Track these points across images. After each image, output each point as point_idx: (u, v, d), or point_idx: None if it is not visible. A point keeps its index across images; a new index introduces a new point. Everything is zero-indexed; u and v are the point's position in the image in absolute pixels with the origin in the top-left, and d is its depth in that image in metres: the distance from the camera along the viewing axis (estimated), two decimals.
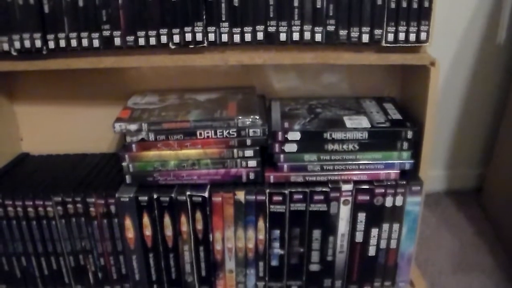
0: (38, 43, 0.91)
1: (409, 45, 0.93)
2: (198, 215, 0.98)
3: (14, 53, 0.92)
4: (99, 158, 1.15)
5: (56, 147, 1.19)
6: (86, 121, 1.18)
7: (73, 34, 0.91)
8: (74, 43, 0.92)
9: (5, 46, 0.92)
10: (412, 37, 0.92)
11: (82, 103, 1.17)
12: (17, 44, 0.92)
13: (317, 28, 0.91)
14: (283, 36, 0.91)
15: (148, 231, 1.00)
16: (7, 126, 1.15)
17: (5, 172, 1.09)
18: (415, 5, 0.90)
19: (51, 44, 0.92)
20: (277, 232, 1.01)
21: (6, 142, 1.15)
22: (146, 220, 0.99)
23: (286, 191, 0.97)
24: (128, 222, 0.99)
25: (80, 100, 1.16)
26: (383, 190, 0.98)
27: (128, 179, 0.98)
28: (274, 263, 1.04)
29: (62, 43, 0.92)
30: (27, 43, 0.91)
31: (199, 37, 0.91)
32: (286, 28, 0.91)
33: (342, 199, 0.99)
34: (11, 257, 1.05)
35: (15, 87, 1.14)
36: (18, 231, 1.02)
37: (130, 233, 1.00)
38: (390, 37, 0.92)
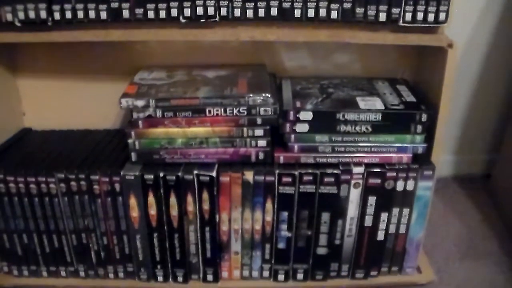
0: (43, 14, 0.88)
1: (427, 25, 0.90)
2: (205, 195, 0.96)
3: (18, 24, 0.89)
4: (103, 135, 1.13)
5: (59, 123, 1.17)
6: (90, 96, 1.15)
7: (80, 5, 0.88)
8: (80, 14, 0.88)
9: (9, 17, 0.89)
10: (431, 17, 0.89)
11: (87, 78, 1.14)
12: (21, 15, 0.88)
13: (333, 5, 0.88)
14: (297, 12, 0.88)
15: (153, 211, 0.98)
16: (9, 100, 1.12)
17: (7, 148, 1.06)
18: None
19: (57, 15, 0.88)
20: (285, 214, 0.99)
21: (8, 117, 1.12)
22: (151, 199, 0.96)
23: (296, 172, 0.94)
24: (132, 201, 0.97)
25: (85, 74, 1.13)
26: (394, 174, 0.97)
27: (133, 156, 0.96)
28: (281, 245, 1.02)
29: (68, 15, 0.88)
30: (31, 14, 0.88)
31: (210, 11, 0.88)
32: (301, 4, 0.87)
33: (353, 182, 0.97)
34: (12, 234, 1.03)
35: (18, 60, 1.11)
36: (20, 208, 1.00)
37: (135, 212, 0.98)
38: (408, 16, 0.89)
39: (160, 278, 1.06)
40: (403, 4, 0.88)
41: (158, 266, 1.05)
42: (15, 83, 1.13)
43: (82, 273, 1.07)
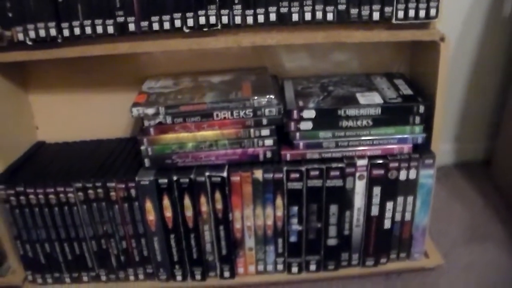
0: (53, 32, 0.92)
1: (419, 21, 0.94)
2: (218, 195, 1.00)
3: (29, 43, 0.93)
4: (115, 143, 1.17)
5: (71, 134, 1.21)
6: (100, 107, 1.19)
7: (87, 22, 0.92)
8: (88, 30, 0.92)
9: (20, 36, 0.92)
10: (422, 13, 0.93)
11: (95, 90, 1.18)
12: (32, 34, 0.92)
13: (329, 7, 0.92)
14: (295, 17, 0.92)
15: (168, 213, 1.02)
16: (23, 115, 1.16)
17: (23, 161, 1.10)
18: None
19: (66, 32, 0.92)
20: (295, 209, 1.03)
21: (22, 131, 1.16)
22: (166, 202, 1.01)
23: (303, 168, 0.99)
24: (148, 205, 1.01)
25: (93, 86, 1.17)
26: (397, 164, 1.01)
27: (147, 162, 1.00)
28: (293, 239, 1.07)
29: (77, 31, 0.92)
30: (42, 32, 0.92)
31: (212, 20, 0.92)
32: (298, 8, 0.91)
33: (358, 174, 1.01)
34: (35, 244, 1.07)
35: (29, 77, 1.15)
36: (40, 218, 1.04)
37: (151, 216, 1.02)
38: (400, 14, 0.93)
39: (178, 278, 1.10)
40: (395, 2, 0.92)
41: (176, 266, 1.09)
42: (27, 99, 1.17)
43: (103, 277, 1.12)
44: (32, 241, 1.07)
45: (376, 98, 1.00)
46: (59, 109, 1.19)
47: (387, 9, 0.93)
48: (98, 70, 1.15)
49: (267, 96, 0.95)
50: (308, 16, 0.92)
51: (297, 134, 0.99)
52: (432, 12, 0.93)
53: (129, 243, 1.07)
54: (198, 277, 1.10)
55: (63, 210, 1.03)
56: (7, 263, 1.16)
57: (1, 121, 1.04)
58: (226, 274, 1.10)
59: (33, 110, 1.19)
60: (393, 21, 0.94)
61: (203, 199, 1.01)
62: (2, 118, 1.04)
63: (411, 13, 0.93)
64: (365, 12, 0.93)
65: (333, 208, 1.04)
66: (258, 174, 0.99)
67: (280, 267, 1.11)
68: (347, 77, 1.14)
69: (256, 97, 0.95)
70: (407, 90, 1.04)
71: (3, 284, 1.15)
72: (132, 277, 1.12)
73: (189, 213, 1.02)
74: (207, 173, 0.98)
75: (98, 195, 1.01)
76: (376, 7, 0.92)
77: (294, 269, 1.11)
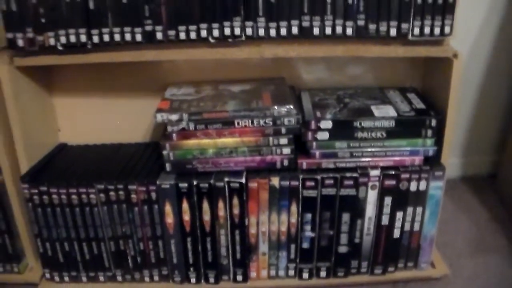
0: (83, 38, 0.96)
1: (434, 38, 0.98)
2: (235, 200, 1.03)
3: (60, 48, 0.97)
4: (135, 148, 1.20)
5: (92, 137, 1.24)
6: (121, 112, 1.23)
7: (117, 29, 0.96)
8: (117, 37, 0.96)
9: (52, 41, 0.97)
10: (437, 30, 0.97)
11: (117, 95, 1.21)
12: (63, 39, 0.96)
13: (348, 22, 0.96)
14: (316, 31, 0.96)
15: (187, 216, 1.05)
16: (46, 117, 1.19)
17: (46, 162, 1.13)
18: (440, 1, 0.95)
19: (95, 39, 0.97)
20: (309, 216, 1.06)
21: (46, 133, 1.19)
22: (185, 205, 1.04)
23: (318, 177, 1.02)
24: (168, 208, 1.04)
25: (115, 92, 1.21)
26: (408, 175, 1.04)
27: (168, 166, 1.04)
28: (305, 245, 1.10)
29: (106, 38, 0.96)
30: (72, 38, 0.96)
31: (237, 31, 0.96)
32: (319, 22, 0.96)
33: (370, 184, 1.04)
34: (55, 243, 1.10)
35: (54, 80, 1.19)
36: (62, 218, 1.07)
37: (170, 219, 1.06)
38: (416, 30, 0.97)
39: (193, 280, 1.13)
40: (411, 19, 0.96)
41: (191, 269, 1.12)
42: (51, 101, 1.21)
43: (119, 278, 1.15)
44: (52, 239, 1.10)
45: (390, 111, 1.04)
46: (81, 112, 1.23)
47: (404, 26, 0.97)
48: (120, 76, 1.19)
49: (287, 106, 0.99)
50: (328, 31, 0.96)
51: (314, 143, 1.02)
52: (447, 29, 0.97)
53: (146, 245, 1.10)
54: (211, 280, 1.13)
55: (84, 210, 1.06)
56: (25, 261, 1.19)
57: (27, 122, 1.07)
58: (239, 277, 1.13)
59: (56, 112, 1.23)
60: (409, 37, 0.98)
61: (221, 204, 1.04)
62: (27, 119, 1.07)
63: (427, 30, 0.97)
64: (383, 28, 0.97)
65: (345, 217, 1.07)
66: (275, 181, 1.02)
67: (291, 272, 1.14)
68: (362, 90, 1.18)
69: (276, 107, 0.99)
70: (419, 104, 1.08)
71: (21, 281, 1.18)
72: (147, 278, 1.14)
73: (206, 217, 1.05)
74: (226, 179, 1.02)
75: (119, 197, 1.05)
76: (393, 23, 0.97)
77: (305, 275, 1.14)
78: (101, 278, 1.15)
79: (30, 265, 1.20)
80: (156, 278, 1.14)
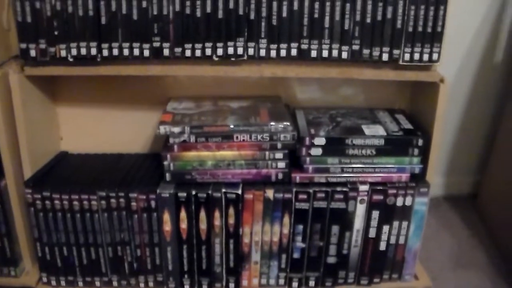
0: (93, 51, 1.01)
1: (422, 64, 1.05)
2: (231, 210, 1.08)
3: (70, 59, 1.02)
4: (135, 158, 1.24)
5: (93, 147, 1.28)
6: (122, 123, 1.27)
7: (126, 44, 1.01)
8: (126, 52, 1.01)
9: (63, 53, 1.01)
10: (426, 57, 1.04)
11: (119, 107, 1.25)
12: (74, 51, 1.01)
13: (344, 46, 1.02)
14: (314, 53, 1.03)
15: (184, 225, 1.09)
16: (50, 126, 1.23)
17: (49, 169, 1.17)
18: (429, 30, 1.02)
19: (105, 52, 1.01)
20: (300, 227, 1.11)
21: (49, 141, 1.23)
22: (183, 214, 1.08)
23: (311, 190, 1.07)
24: (166, 216, 1.09)
25: (117, 103, 1.25)
26: (395, 191, 1.10)
27: (168, 176, 1.08)
28: (296, 255, 1.15)
29: (115, 52, 1.01)
30: (83, 51, 1.01)
31: (240, 51, 1.02)
32: (317, 46, 1.02)
33: (359, 198, 1.10)
34: (53, 247, 1.13)
35: (59, 90, 1.23)
36: (62, 223, 1.10)
37: (168, 226, 1.10)
38: (407, 56, 1.04)
39: (186, 287, 1.17)
40: (402, 46, 1.03)
41: (186, 275, 1.16)
42: (55, 110, 1.25)
43: (115, 283, 1.18)
44: (51, 244, 1.13)
45: (380, 130, 1.10)
46: (84, 122, 1.26)
47: (395, 52, 1.04)
48: (123, 88, 1.23)
49: (283, 123, 1.05)
50: (325, 53, 1.03)
51: (308, 159, 1.08)
52: (435, 56, 1.05)
53: (143, 252, 1.14)
54: (205, 287, 1.17)
55: (84, 216, 1.10)
56: (22, 264, 1.21)
57: (31, 129, 1.10)
58: (231, 285, 1.17)
59: (59, 121, 1.27)
60: (400, 62, 1.05)
61: (217, 214, 1.09)
62: (32, 126, 1.11)
63: (416, 56, 1.04)
64: (376, 53, 1.03)
65: (335, 229, 1.12)
66: (270, 193, 1.08)
67: (281, 281, 1.18)
68: (353, 110, 1.24)
69: (273, 123, 1.05)
70: (407, 125, 1.14)
71: (17, 285, 1.20)
72: (142, 284, 1.18)
73: (203, 226, 1.10)
74: (223, 190, 1.07)
75: (119, 204, 1.08)
76: (385, 49, 1.03)
77: (295, 284, 1.18)
78: (97, 283, 1.18)
79: (26, 269, 1.22)
80: (151, 284, 1.18)
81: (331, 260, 1.16)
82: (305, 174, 1.09)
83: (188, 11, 0.99)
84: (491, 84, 1.51)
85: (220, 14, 0.99)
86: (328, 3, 0.99)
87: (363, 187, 1.09)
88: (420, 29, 1.02)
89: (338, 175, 1.10)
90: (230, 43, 1.01)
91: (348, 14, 1.00)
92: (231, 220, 1.09)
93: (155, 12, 0.99)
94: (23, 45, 1.00)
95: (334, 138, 1.07)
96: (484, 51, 1.45)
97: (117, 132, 1.28)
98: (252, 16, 1.00)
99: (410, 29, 1.02)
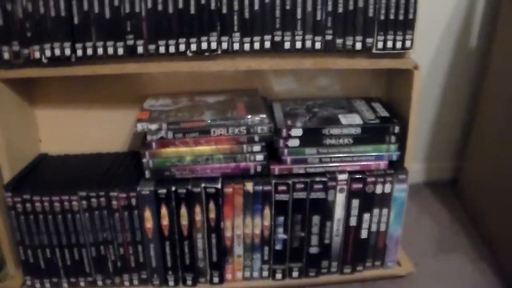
0: (67, 52, 1.00)
1: (396, 51, 1.06)
2: (211, 205, 1.09)
3: (45, 61, 1.01)
4: (114, 157, 1.24)
5: (72, 148, 1.28)
6: (100, 123, 1.27)
7: (100, 43, 1.01)
8: (100, 51, 1.01)
9: (37, 54, 1.00)
10: (399, 44, 1.06)
11: (97, 106, 1.25)
12: (48, 53, 1.00)
13: (317, 37, 1.03)
14: (287, 45, 1.03)
15: (165, 221, 1.10)
16: (28, 128, 1.23)
17: (28, 171, 1.16)
18: (401, 17, 1.03)
19: (79, 52, 1.01)
20: (281, 219, 1.12)
21: (27, 143, 1.23)
22: (164, 211, 1.09)
23: (290, 182, 1.08)
24: (147, 214, 1.09)
25: (95, 103, 1.25)
26: (373, 179, 1.11)
27: (147, 174, 1.08)
28: (278, 247, 1.16)
29: (89, 51, 1.01)
30: (57, 52, 1.00)
31: (213, 45, 1.02)
32: (290, 37, 1.03)
33: (338, 187, 1.11)
34: (36, 250, 1.13)
35: (36, 92, 1.22)
36: (44, 225, 1.10)
37: (149, 224, 1.10)
38: (380, 44, 1.05)
39: (171, 283, 1.18)
40: (375, 34, 1.04)
41: (169, 272, 1.16)
42: (32, 113, 1.24)
43: (100, 283, 1.18)
44: (34, 246, 1.13)
45: (357, 119, 1.11)
46: (62, 123, 1.26)
47: (368, 40, 1.04)
48: (99, 88, 1.23)
49: (260, 116, 1.05)
50: (298, 45, 1.03)
51: (285, 150, 1.09)
52: (408, 43, 1.06)
53: (126, 250, 1.14)
54: (189, 282, 1.18)
55: (66, 217, 1.10)
56: (6, 269, 1.21)
57: (9, 133, 1.10)
58: (215, 279, 1.18)
59: (38, 123, 1.26)
60: (373, 50, 1.06)
61: (198, 209, 1.09)
62: (9, 130, 1.10)
63: (389, 44, 1.05)
64: (349, 42, 1.04)
65: (316, 219, 1.13)
66: (249, 186, 1.08)
67: (265, 273, 1.19)
68: (330, 100, 1.25)
69: (249, 116, 1.05)
70: (384, 112, 1.15)
71: None
72: (127, 283, 1.18)
73: (184, 221, 1.10)
74: (202, 185, 1.07)
75: (100, 204, 1.09)
76: (358, 38, 1.04)
77: (278, 276, 1.19)
78: (82, 284, 1.18)
79: (11, 274, 1.22)
80: (135, 282, 1.18)
81: (314, 250, 1.17)
82: (284, 166, 1.10)
83: (160, 7, 0.99)
84: (467, 69, 1.52)
85: (192, 10, 0.99)
86: None
87: (342, 176, 1.10)
88: (392, 17, 1.03)
89: (316, 165, 1.10)
90: (203, 38, 1.01)
91: (320, 5, 1.01)
92: (212, 215, 1.10)
93: (127, 10, 0.99)
94: None
95: (311, 128, 1.08)
96: (459, 37, 1.46)
97: (96, 132, 1.28)
98: (224, 10, 1.00)
99: (382, 17, 1.03)
